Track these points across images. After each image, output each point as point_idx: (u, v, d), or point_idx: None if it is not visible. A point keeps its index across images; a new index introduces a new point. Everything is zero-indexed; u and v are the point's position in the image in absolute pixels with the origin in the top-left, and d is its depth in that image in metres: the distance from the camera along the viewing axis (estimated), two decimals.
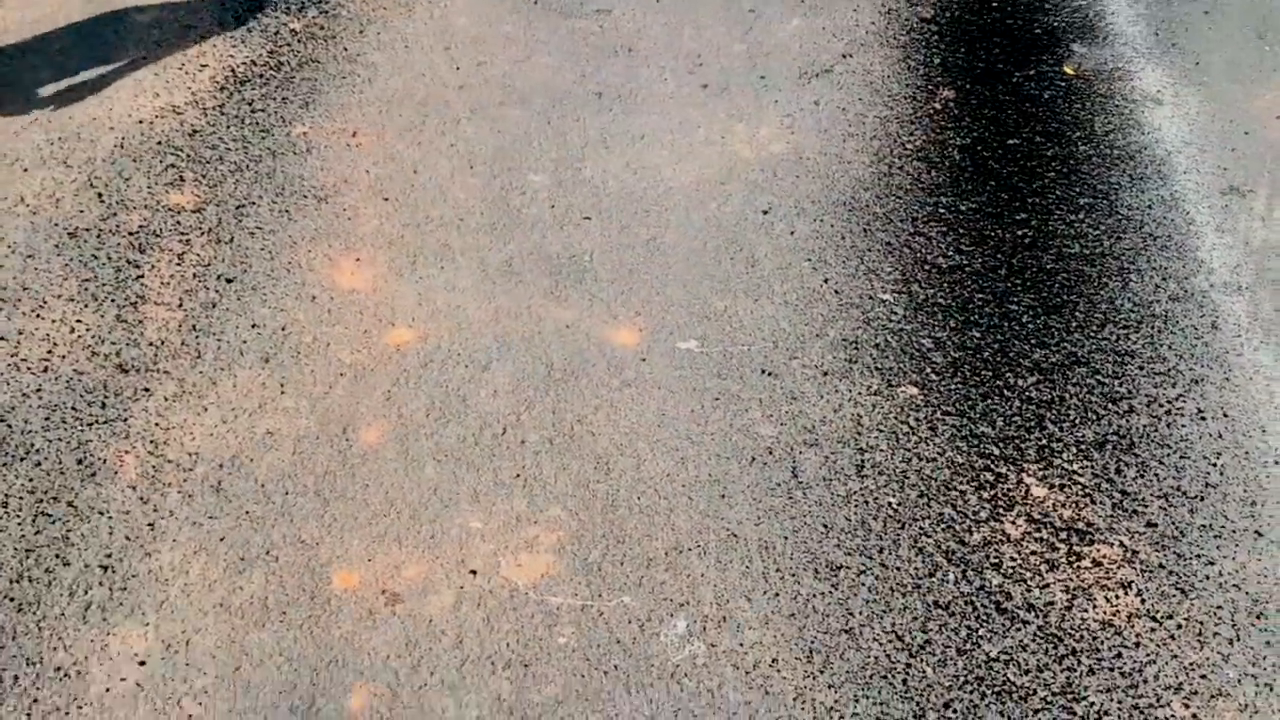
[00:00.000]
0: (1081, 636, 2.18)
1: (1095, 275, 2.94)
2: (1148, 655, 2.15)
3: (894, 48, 3.81)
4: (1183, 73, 3.69)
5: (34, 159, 3.35)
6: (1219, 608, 2.22)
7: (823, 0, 4.04)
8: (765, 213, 3.15)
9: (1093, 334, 2.77)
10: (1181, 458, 2.49)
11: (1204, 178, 3.26)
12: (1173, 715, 2.06)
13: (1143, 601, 2.24)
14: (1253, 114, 3.51)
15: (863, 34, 3.87)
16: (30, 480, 2.44)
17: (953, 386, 2.64)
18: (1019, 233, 3.06)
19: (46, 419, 2.57)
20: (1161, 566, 2.29)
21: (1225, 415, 2.58)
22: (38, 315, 2.83)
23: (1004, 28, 3.91)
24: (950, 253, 3.00)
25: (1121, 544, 2.33)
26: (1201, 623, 2.20)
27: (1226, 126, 3.46)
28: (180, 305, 2.84)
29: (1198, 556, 2.31)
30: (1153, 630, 2.19)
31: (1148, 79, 3.66)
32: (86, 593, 2.24)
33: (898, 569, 2.28)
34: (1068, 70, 3.70)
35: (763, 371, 2.70)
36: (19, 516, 2.37)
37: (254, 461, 2.48)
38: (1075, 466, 2.47)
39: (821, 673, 2.12)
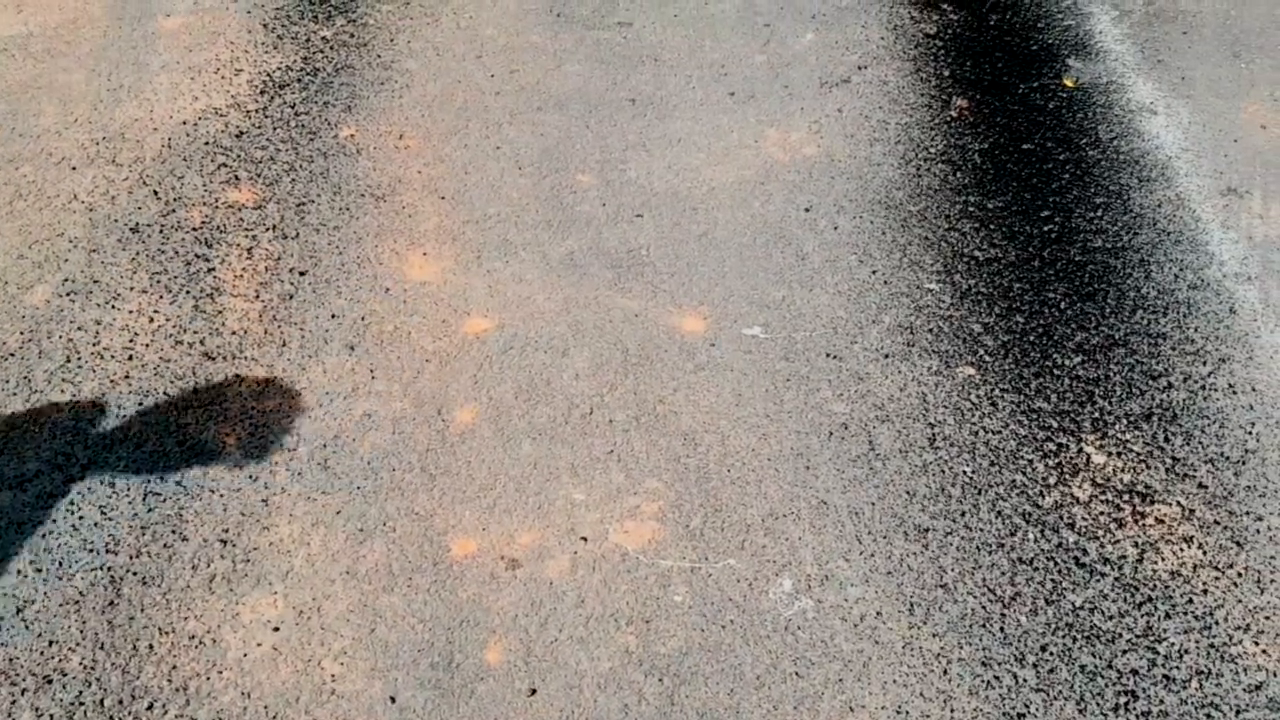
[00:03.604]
0: (1155, 585, 2.36)
1: (1120, 266, 3.16)
2: (1215, 600, 2.34)
3: (905, 60, 4.03)
4: (1171, 86, 3.97)
5: (81, 158, 3.37)
6: (1272, 558, 2.43)
7: (833, 15, 4.25)
8: (807, 210, 3.32)
9: (1125, 318, 2.99)
10: (1220, 427, 2.71)
11: (1204, 180, 3.52)
12: (1245, 652, 2.25)
13: (1204, 554, 2.43)
14: (1239, 124, 3.80)
15: (874, 47, 4.09)
16: (134, 461, 2.48)
17: (1006, 366, 2.83)
18: (1045, 228, 3.27)
19: (140, 404, 2.61)
20: (1217, 523, 2.49)
21: (1254, 390, 2.81)
22: (113, 306, 2.87)
23: (1003, 44, 4.16)
24: (985, 246, 3.20)
25: (1179, 503, 2.52)
26: (1259, 571, 2.40)
27: (1217, 135, 3.74)
28: (257, 297, 2.90)
29: (1247, 513, 2.51)
30: (1217, 579, 2.38)
31: (1140, 92, 3.93)
32: (209, 565, 2.29)
33: (981, 530, 2.44)
34: (1067, 83, 3.96)
35: (827, 355, 2.86)
36: (128, 496, 2.41)
37: (356, 441, 2.55)
38: (1128, 436, 2.67)
39: (924, 624, 2.27)
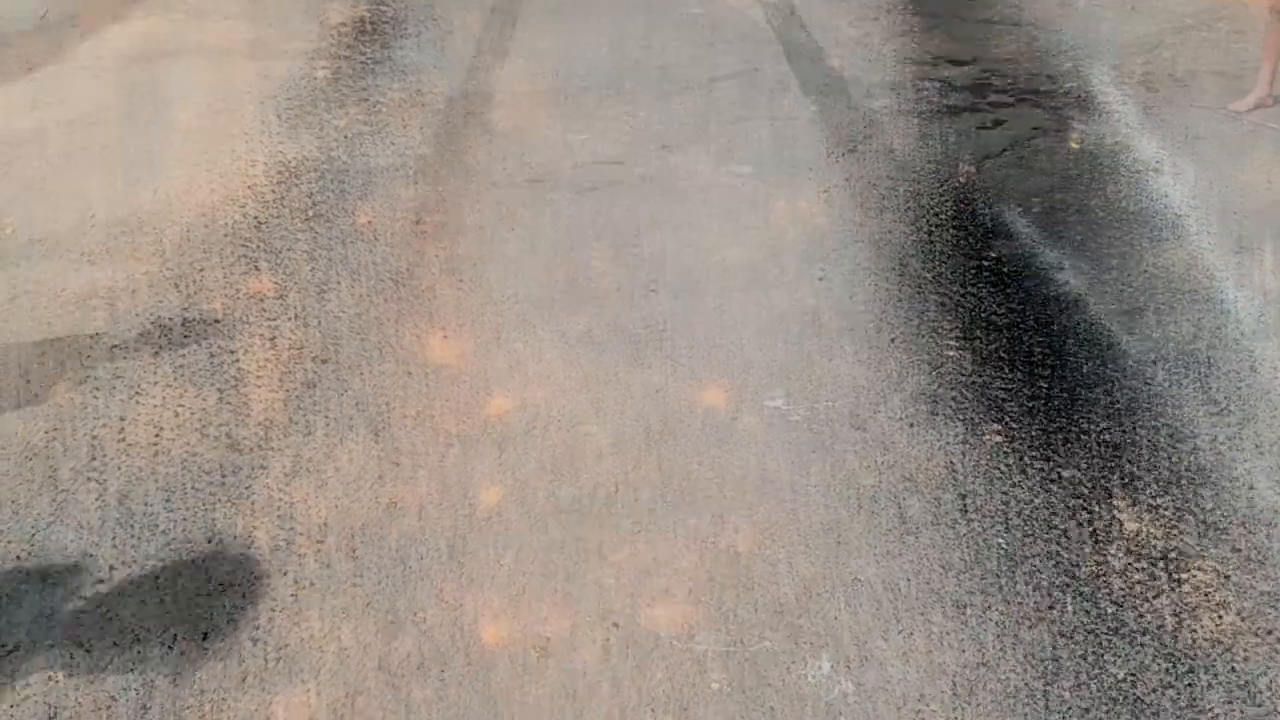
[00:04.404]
0: (1196, 654, 2.33)
1: (1139, 326, 3.16)
2: (1258, 668, 2.31)
3: (909, 128, 4.07)
4: (1175, 146, 4.01)
5: (100, 252, 3.41)
6: None
7: (835, 86, 4.31)
8: (821, 279, 3.34)
9: (1148, 379, 2.98)
10: (1250, 488, 2.69)
11: (1214, 238, 3.54)
12: None
13: (1243, 619, 2.40)
14: (1244, 182, 3.83)
15: (878, 116, 4.14)
16: (162, 558, 2.47)
17: (1033, 431, 2.82)
18: (1062, 290, 3.29)
19: (167, 499, 2.61)
20: (1253, 587, 2.46)
21: None
22: (136, 400, 2.88)
23: (1006, 107, 4.21)
24: (1003, 310, 3.21)
25: (1214, 568, 2.50)
26: None
27: (1223, 193, 3.77)
28: (281, 385, 2.91)
29: None
30: (1258, 645, 2.35)
31: (1146, 151, 3.97)
32: (241, 663, 2.26)
33: (1020, 603, 2.42)
34: (1073, 144, 4.00)
35: (851, 425, 2.85)
36: (157, 594, 2.39)
37: (384, 529, 2.54)
38: (1159, 500, 2.65)
39: (969, 704, 2.23)
